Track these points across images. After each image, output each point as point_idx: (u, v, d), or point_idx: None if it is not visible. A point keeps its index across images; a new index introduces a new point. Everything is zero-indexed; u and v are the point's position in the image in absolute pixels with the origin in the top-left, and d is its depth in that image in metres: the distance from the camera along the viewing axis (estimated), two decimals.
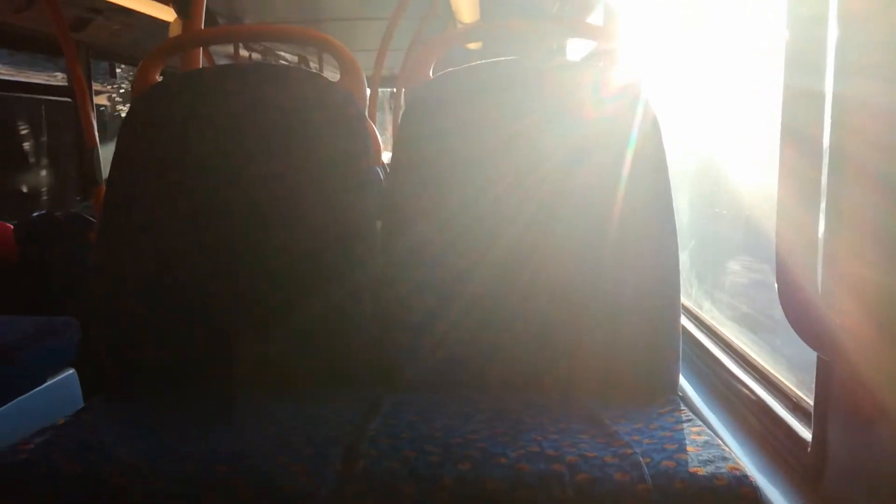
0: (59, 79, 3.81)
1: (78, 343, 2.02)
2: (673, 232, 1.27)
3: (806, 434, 1.05)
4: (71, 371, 2.01)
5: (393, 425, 1.10)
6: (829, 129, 0.85)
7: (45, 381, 1.90)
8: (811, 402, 1.01)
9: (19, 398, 1.77)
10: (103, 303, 1.32)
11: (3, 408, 1.72)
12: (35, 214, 2.77)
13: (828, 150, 0.87)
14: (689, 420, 1.10)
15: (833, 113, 0.87)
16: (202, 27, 1.99)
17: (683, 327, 1.43)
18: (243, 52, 5.28)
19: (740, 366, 1.42)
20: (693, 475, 0.91)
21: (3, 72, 3.86)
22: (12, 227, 2.64)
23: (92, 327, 1.34)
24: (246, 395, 1.28)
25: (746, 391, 1.32)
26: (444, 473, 0.94)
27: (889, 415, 0.81)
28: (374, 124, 3.50)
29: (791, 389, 1.22)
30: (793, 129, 0.84)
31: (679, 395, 1.26)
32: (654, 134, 1.30)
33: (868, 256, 0.85)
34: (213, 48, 4.76)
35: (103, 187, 2.16)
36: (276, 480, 0.94)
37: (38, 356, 1.83)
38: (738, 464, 0.93)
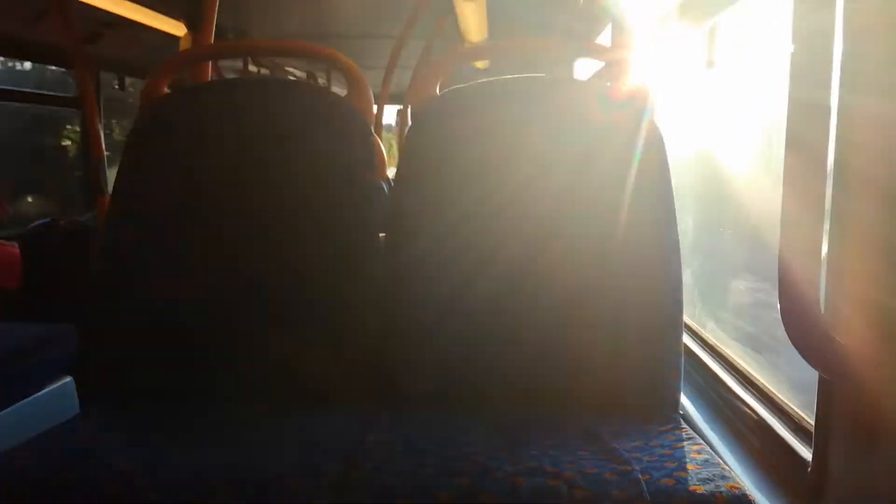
0: None
1: (76, 351, 2.02)
2: (676, 249, 1.27)
3: (806, 454, 1.04)
4: (68, 379, 2.01)
5: (390, 438, 1.09)
6: (833, 144, 0.85)
7: (42, 389, 1.90)
8: (812, 422, 1.00)
9: (16, 405, 1.77)
10: (103, 312, 1.32)
11: None
12: (39, 223, 2.78)
13: (832, 166, 0.87)
14: (690, 438, 1.09)
15: (838, 127, 0.87)
16: (212, 42, 2.01)
17: (685, 345, 1.42)
18: (252, 67, 5.32)
19: (742, 385, 1.41)
20: (692, 493, 0.90)
21: None
22: (19, 252, 2.65)
23: (90, 336, 1.34)
24: (244, 405, 1.28)
25: (748, 410, 1.31)
26: (440, 487, 0.93)
27: (890, 435, 0.80)
28: (381, 140, 3.51)
29: (793, 409, 1.21)
30: (798, 144, 0.83)
31: (680, 414, 1.25)
32: (658, 151, 1.29)
33: (872, 275, 0.84)
34: (222, 63, 4.80)
35: (107, 197, 2.16)
36: (272, 492, 0.93)
37: (35, 363, 1.83)
38: (738, 483, 0.92)
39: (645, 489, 0.91)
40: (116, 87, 4.11)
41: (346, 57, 1.49)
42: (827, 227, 0.89)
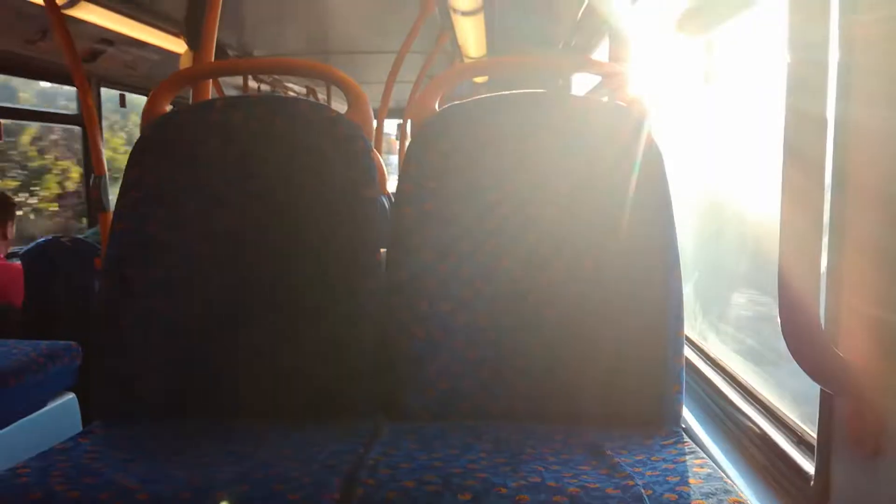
0: None
1: (79, 368, 2.02)
2: (676, 262, 1.27)
3: (809, 467, 1.04)
4: (71, 396, 2.01)
5: (392, 454, 1.09)
6: (831, 155, 0.85)
7: (45, 406, 1.90)
8: (815, 436, 1.00)
9: (19, 421, 1.77)
10: (106, 329, 1.33)
11: (2, 431, 1.72)
12: (42, 240, 2.79)
13: (831, 178, 0.87)
14: (692, 452, 1.09)
15: (836, 137, 0.87)
16: (212, 59, 2.02)
17: (687, 359, 1.42)
18: (252, 84, 5.35)
19: (744, 398, 1.40)
20: None
21: None
22: (22, 268, 2.66)
23: (94, 353, 1.34)
24: (245, 421, 1.28)
25: (750, 424, 1.30)
26: (443, 503, 0.93)
27: (892, 448, 0.80)
28: (381, 155, 3.53)
29: (795, 422, 1.21)
30: (795, 155, 0.84)
31: (682, 428, 1.25)
32: (657, 164, 1.30)
33: (872, 288, 0.85)
34: (223, 80, 4.83)
35: (110, 214, 2.17)
36: None
37: (38, 380, 1.84)
38: (741, 497, 0.92)
39: None
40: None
41: (346, 73, 1.50)
42: (826, 239, 0.90)
